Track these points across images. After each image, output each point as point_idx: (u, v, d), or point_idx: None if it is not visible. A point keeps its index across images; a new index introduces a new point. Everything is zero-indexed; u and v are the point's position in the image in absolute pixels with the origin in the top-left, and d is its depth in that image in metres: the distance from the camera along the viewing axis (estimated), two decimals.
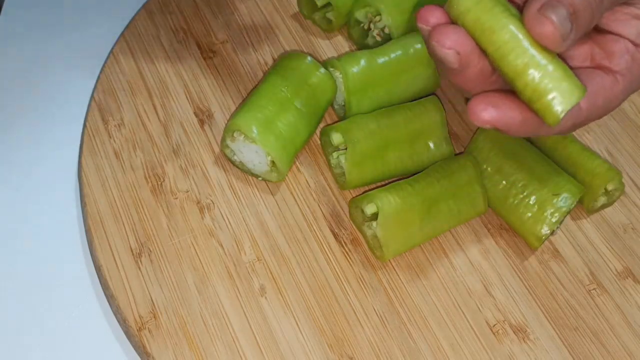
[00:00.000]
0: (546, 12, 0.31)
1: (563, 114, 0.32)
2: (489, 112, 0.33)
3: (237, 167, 0.51)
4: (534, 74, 0.32)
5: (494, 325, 0.47)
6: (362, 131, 0.50)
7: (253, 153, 0.49)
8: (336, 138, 0.50)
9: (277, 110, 0.49)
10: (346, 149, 0.50)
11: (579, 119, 0.35)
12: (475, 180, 0.49)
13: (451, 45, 0.32)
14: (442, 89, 0.57)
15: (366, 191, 0.50)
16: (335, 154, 0.51)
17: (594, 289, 0.49)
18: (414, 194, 0.47)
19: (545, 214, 0.48)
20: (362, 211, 0.47)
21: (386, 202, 0.47)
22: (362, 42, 0.58)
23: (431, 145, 0.52)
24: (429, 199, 0.48)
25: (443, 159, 0.51)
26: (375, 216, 0.47)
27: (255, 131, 0.48)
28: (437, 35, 0.32)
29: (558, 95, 0.32)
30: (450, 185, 0.49)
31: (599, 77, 0.35)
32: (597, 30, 0.36)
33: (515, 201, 0.49)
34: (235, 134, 0.49)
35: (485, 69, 0.33)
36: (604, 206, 0.53)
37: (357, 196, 0.49)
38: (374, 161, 0.50)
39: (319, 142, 0.53)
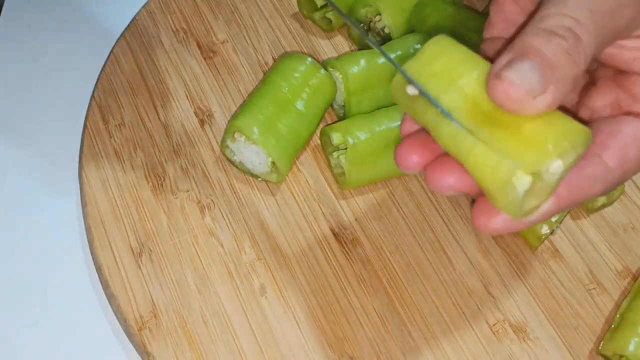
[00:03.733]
0: (504, 74, 0.27)
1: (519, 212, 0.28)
2: (449, 179, 0.30)
3: (237, 167, 0.51)
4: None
5: (494, 325, 0.47)
6: (362, 131, 0.50)
7: (253, 154, 0.49)
8: (336, 138, 0.50)
9: (277, 111, 0.49)
10: (346, 149, 0.50)
11: (611, 181, 0.30)
12: None
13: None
14: None
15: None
16: (335, 154, 0.51)
17: (594, 288, 0.49)
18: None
19: None
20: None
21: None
22: (362, 42, 0.58)
23: None
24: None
25: None
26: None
27: (256, 132, 0.48)
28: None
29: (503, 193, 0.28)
30: None
31: (628, 125, 0.31)
32: (619, 72, 0.32)
33: None
34: (235, 135, 0.49)
35: None
36: (604, 206, 0.53)
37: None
38: (374, 161, 0.50)
39: (319, 142, 0.53)
